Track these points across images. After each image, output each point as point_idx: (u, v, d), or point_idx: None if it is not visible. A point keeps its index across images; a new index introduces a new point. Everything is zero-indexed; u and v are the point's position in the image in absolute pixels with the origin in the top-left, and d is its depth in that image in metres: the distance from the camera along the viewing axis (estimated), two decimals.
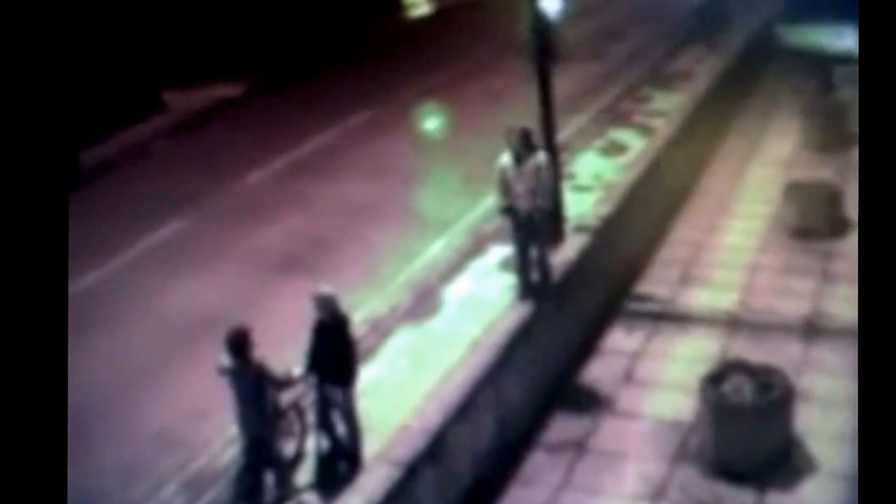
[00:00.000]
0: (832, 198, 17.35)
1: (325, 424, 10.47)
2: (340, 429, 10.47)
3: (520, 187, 12.53)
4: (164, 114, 24.23)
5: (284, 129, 22.45)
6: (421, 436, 10.24)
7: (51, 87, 6.26)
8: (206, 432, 11.17)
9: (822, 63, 25.45)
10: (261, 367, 9.52)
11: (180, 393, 12.09)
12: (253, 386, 9.52)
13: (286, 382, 9.95)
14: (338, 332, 10.15)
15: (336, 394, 10.28)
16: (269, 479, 9.99)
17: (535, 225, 12.72)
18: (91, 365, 12.52)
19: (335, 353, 10.11)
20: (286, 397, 10.25)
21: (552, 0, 13.91)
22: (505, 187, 12.68)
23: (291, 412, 10.50)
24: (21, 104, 5.99)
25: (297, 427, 10.57)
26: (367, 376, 11.31)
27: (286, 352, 10.56)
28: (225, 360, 9.54)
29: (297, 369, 10.14)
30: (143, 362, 12.91)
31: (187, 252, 16.18)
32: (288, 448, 10.35)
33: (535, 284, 13.02)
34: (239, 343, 9.45)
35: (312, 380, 10.34)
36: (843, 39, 26.65)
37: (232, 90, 25.74)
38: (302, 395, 10.70)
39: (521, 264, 13.00)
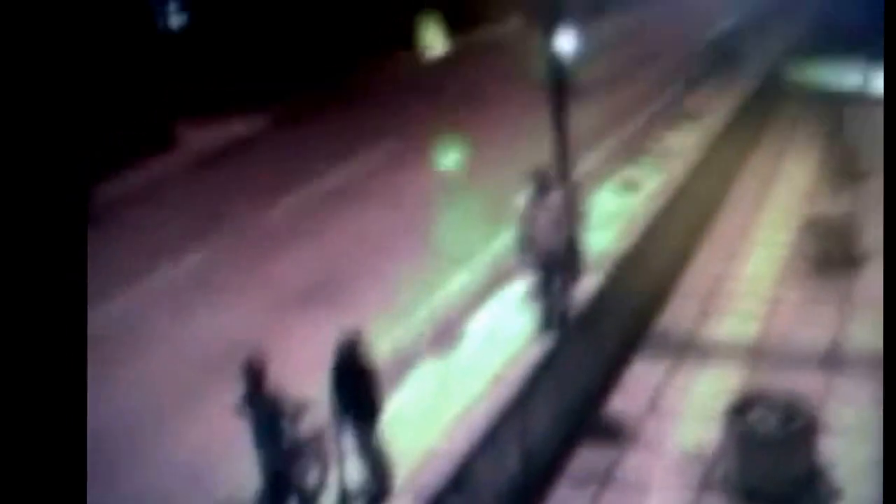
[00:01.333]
0: (848, 230, 17.51)
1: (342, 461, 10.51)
2: (367, 468, 10.47)
3: (539, 227, 12.85)
4: (176, 149, 24.41)
5: (300, 165, 22.66)
6: (444, 469, 10.27)
7: (64, 122, 6.29)
8: (225, 467, 11.18)
9: (833, 102, 25.65)
10: (275, 396, 9.62)
11: (196, 429, 12.12)
12: (268, 416, 9.61)
13: (299, 411, 9.94)
14: (363, 377, 10.19)
15: (363, 433, 10.32)
16: None
17: (556, 259, 12.85)
18: (108, 399, 12.61)
19: (361, 393, 10.16)
20: (305, 429, 10.29)
21: (568, 40, 14.03)
22: (525, 223, 12.96)
23: (311, 444, 10.54)
24: (33, 137, 6.03)
25: (316, 459, 10.59)
26: (389, 409, 11.35)
27: (304, 386, 10.59)
28: (240, 390, 9.63)
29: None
30: (160, 397, 12.96)
31: (203, 288, 16.30)
32: (310, 479, 10.39)
33: (557, 317, 13.10)
34: (254, 372, 9.55)
35: (339, 420, 10.34)
36: (853, 79, 26.92)
37: (246, 125, 25.98)
38: (321, 427, 10.71)
39: (544, 297, 13.10)
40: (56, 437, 5.77)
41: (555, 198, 12.85)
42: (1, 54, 5.82)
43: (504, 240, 16.44)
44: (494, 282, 15.44)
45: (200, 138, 25.10)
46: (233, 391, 12.04)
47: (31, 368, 5.72)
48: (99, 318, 15.02)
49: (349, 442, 10.42)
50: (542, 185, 12.78)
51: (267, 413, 9.61)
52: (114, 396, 12.76)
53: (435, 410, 11.81)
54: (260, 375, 9.56)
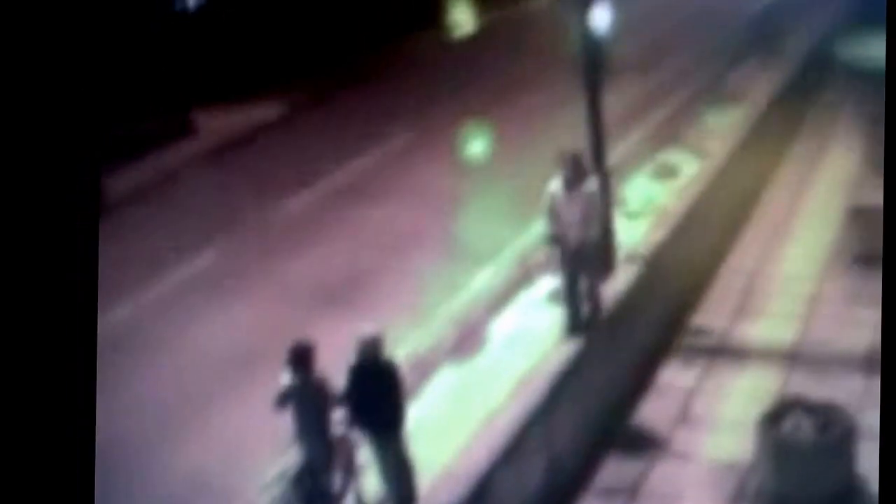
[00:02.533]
0: None
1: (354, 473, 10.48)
2: (388, 481, 10.37)
3: (570, 216, 12.48)
4: (195, 137, 24.46)
5: (320, 154, 22.68)
6: (466, 482, 10.24)
7: (75, 107, 6.26)
8: (239, 475, 11.25)
9: (884, 79, 25.21)
10: (323, 381, 9.72)
11: (213, 434, 12.19)
12: (315, 403, 9.69)
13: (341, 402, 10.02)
14: (386, 377, 10.05)
15: (385, 442, 10.20)
16: None
17: (585, 255, 12.69)
18: (120, 402, 12.70)
19: (383, 399, 10.02)
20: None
21: (603, 13, 13.78)
22: (554, 216, 12.65)
23: (340, 445, 10.53)
24: (42, 123, 6.00)
25: (343, 462, 10.60)
26: (409, 417, 11.32)
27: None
28: (286, 378, 9.68)
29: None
30: (174, 401, 13.04)
31: (220, 284, 16.35)
32: (335, 483, 10.42)
33: (585, 318, 12.99)
34: (302, 357, 9.65)
35: (356, 429, 10.26)
36: None
37: (266, 111, 26.02)
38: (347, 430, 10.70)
39: (571, 297, 12.95)
40: (64, 444, 5.79)
41: (588, 186, 12.62)
42: (8, 39, 5.80)
43: (531, 235, 16.39)
44: (520, 280, 15.37)
45: (219, 125, 25.15)
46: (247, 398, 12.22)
47: (40, 373, 5.76)
48: (109, 320, 15.16)
49: (368, 452, 10.39)
50: (575, 171, 12.51)
51: (314, 400, 9.69)
52: (120, 405, 12.83)
53: (455, 421, 11.76)
54: (308, 361, 9.67)
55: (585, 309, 13.04)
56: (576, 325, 12.94)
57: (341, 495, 10.49)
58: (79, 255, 6.08)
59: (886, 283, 6.99)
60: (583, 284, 12.96)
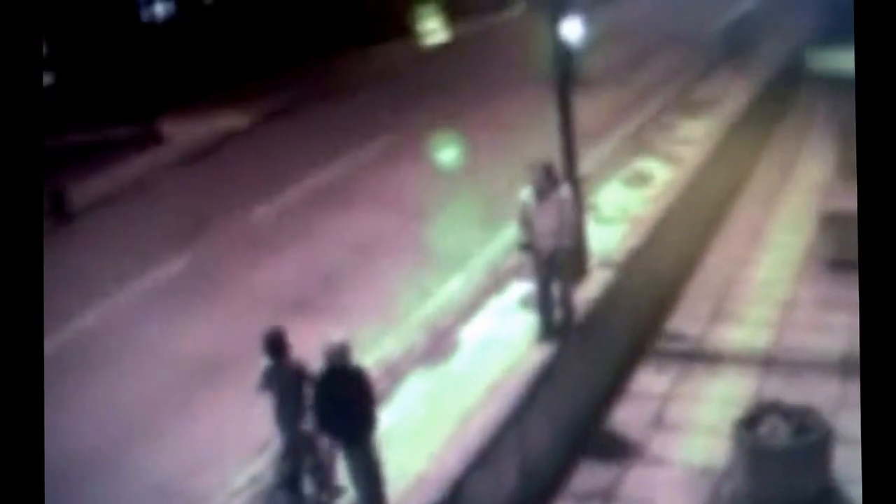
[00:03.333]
0: None
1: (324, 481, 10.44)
2: (358, 492, 10.24)
3: (542, 224, 12.57)
4: (163, 145, 24.35)
5: (290, 161, 22.57)
6: (438, 487, 10.20)
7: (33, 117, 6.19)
8: (207, 484, 11.13)
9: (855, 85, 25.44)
10: (300, 364, 10.13)
11: (181, 442, 12.07)
12: (292, 383, 10.04)
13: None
14: (353, 384, 9.97)
15: (354, 450, 10.09)
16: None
17: (558, 262, 12.74)
18: (86, 411, 12.59)
19: (350, 406, 9.94)
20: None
21: (574, 26, 13.97)
22: (526, 223, 12.73)
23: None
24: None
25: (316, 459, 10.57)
26: (381, 422, 11.24)
27: None
28: (264, 362, 10.08)
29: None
30: (141, 409, 12.90)
31: (188, 292, 16.22)
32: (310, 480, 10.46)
33: (558, 324, 13.01)
34: (276, 342, 10.10)
35: (323, 437, 10.20)
36: None
37: (234, 120, 25.92)
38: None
39: (543, 303, 12.99)
40: (12, 452, 5.72)
41: (561, 193, 12.69)
42: None
43: (502, 241, 16.39)
44: (492, 285, 15.32)
45: (188, 133, 25.03)
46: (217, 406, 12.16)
47: None
48: (75, 328, 15.05)
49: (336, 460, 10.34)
50: (547, 179, 12.57)
51: (290, 380, 10.02)
52: (83, 412, 12.72)
53: (427, 426, 11.69)
54: (281, 346, 10.10)
55: (559, 315, 13.07)
56: (549, 330, 12.98)
57: (324, 479, 10.50)
58: (24, 261, 6.01)
59: (863, 284, 7.03)
60: (556, 291, 13.00)
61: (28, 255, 6.02)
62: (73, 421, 12.35)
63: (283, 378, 10.05)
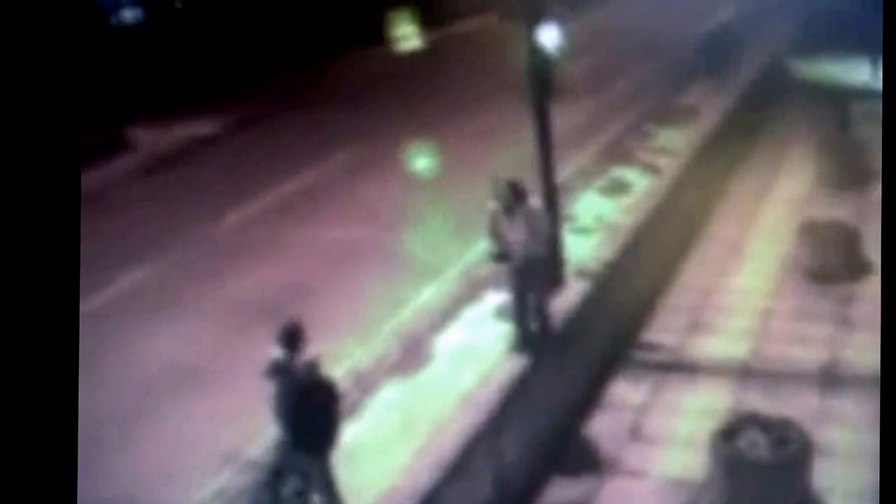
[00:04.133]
0: (850, 238, 17.39)
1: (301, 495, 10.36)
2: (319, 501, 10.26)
3: (513, 235, 12.58)
4: (129, 152, 24.24)
5: (261, 169, 22.53)
6: (410, 499, 10.12)
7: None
8: (171, 498, 11.00)
9: (838, 98, 25.64)
10: (312, 365, 9.83)
11: (141, 457, 11.93)
12: (298, 384, 9.75)
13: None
14: (320, 398, 9.94)
15: (314, 463, 10.07)
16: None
17: (531, 272, 12.70)
18: None
19: (315, 420, 9.91)
20: None
21: (551, 33, 13.92)
22: (497, 234, 12.73)
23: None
24: None
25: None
26: (350, 436, 11.16)
27: (261, 414, 10.47)
28: (276, 352, 9.79)
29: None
30: (101, 423, 12.73)
31: (155, 301, 16.09)
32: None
33: (533, 334, 12.97)
34: (292, 335, 9.79)
35: (290, 450, 10.14)
36: (859, 73, 26.90)
37: (205, 126, 25.83)
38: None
39: (518, 312, 12.96)
40: (43, 440, 5.69)
41: (532, 204, 12.68)
42: None
43: (477, 250, 16.33)
44: (466, 295, 15.27)
45: (156, 140, 24.97)
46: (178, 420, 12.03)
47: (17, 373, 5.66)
48: None
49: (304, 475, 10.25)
50: (513, 196, 12.55)
51: (299, 382, 9.75)
52: None
53: (399, 437, 11.61)
54: (297, 338, 9.80)
55: (534, 325, 13.03)
56: (524, 341, 12.93)
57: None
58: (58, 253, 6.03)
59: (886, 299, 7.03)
60: (531, 301, 12.96)
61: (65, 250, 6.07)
62: None
63: (291, 374, 9.83)
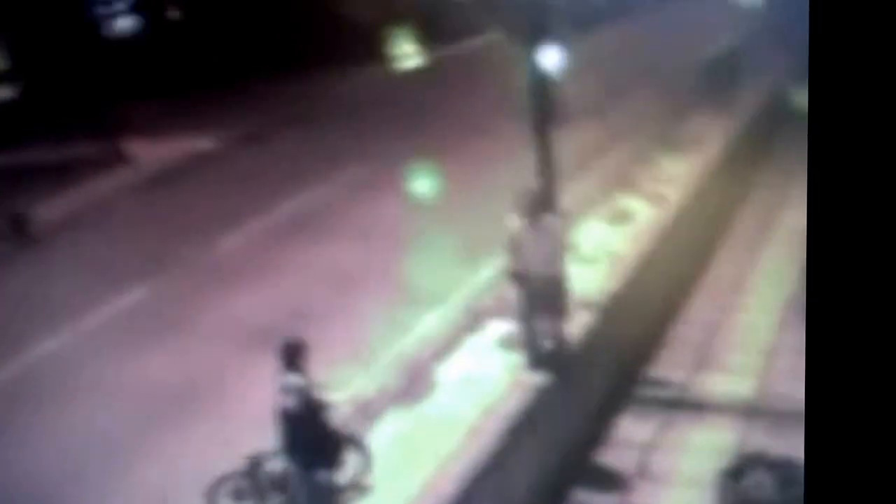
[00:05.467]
0: None
1: None
2: None
3: (533, 250, 12.54)
4: (129, 166, 24.27)
5: (261, 188, 22.58)
6: None
7: None
8: None
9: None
10: (309, 384, 10.02)
11: (138, 481, 11.96)
12: (307, 409, 9.97)
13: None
14: (312, 423, 10.13)
15: (320, 478, 10.27)
16: None
17: (549, 292, 12.71)
18: (39, 445, 12.45)
19: (308, 443, 10.10)
20: None
21: (552, 55, 13.89)
22: (516, 250, 12.68)
23: None
24: None
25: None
26: (348, 472, 11.20)
27: (259, 437, 10.53)
28: (292, 378, 9.97)
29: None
30: (97, 444, 12.77)
31: (152, 322, 16.13)
32: None
33: (546, 355, 13.00)
34: (294, 351, 9.98)
35: (293, 468, 10.30)
36: None
37: (204, 142, 25.87)
38: None
39: (530, 334, 12.97)
40: None
41: (552, 219, 12.73)
42: None
43: (481, 276, 16.41)
44: (470, 323, 15.31)
45: (154, 154, 24.97)
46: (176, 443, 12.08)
47: None
48: (35, 353, 14.94)
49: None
50: (536, 202, 12.59)
51: (308, 406, 9.94)
52: (37, 448, 12.61)
53: (403, 469, 11.64)
54: (298, 357, 9.97)
55: (548, 346, 13.05)
56: (538, 361, 12.95)
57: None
58: None
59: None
60: (545, 322, 12.97)
61: None
62: (34, 446, 12.33)
63: (303, 397, 9.98)
